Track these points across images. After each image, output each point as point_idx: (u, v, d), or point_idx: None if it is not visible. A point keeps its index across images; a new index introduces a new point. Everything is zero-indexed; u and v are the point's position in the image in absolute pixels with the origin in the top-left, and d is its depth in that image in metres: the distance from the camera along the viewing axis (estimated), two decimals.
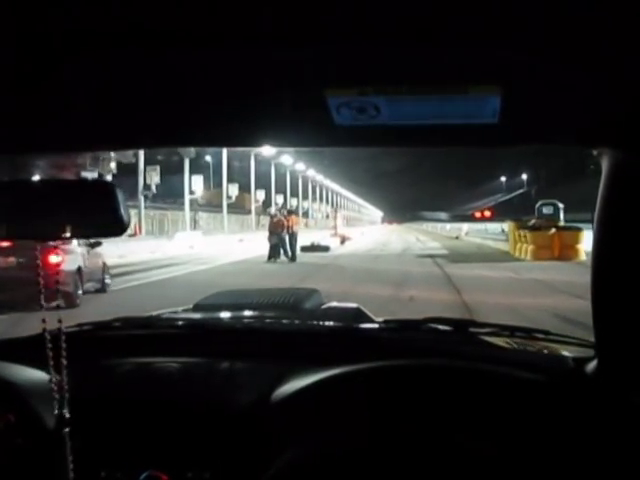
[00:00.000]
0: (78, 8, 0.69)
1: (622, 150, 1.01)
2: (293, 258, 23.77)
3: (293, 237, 24.29)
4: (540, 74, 0.81)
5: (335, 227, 40.46)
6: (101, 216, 1.15)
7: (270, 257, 23.41)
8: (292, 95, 0.86)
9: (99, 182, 1.86)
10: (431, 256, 25.21)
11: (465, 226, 48.25)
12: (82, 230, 1.18)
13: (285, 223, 24.38)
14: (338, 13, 0.71)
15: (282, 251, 24.00)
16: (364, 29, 0.74)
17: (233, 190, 46.78)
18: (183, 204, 41.69)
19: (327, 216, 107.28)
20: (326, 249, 29.34)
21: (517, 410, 1.24)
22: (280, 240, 23.95)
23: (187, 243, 32.87)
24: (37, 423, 1.31)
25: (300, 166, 64.74)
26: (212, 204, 50.75)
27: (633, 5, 0.68)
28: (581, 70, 0.80)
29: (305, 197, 79.66)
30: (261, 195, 54.16)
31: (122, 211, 1.14)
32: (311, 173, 73.22)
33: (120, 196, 1.15)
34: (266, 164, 58.89)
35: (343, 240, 38.42)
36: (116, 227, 1.15)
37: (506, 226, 30.39)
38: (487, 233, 38.84)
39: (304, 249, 28.95)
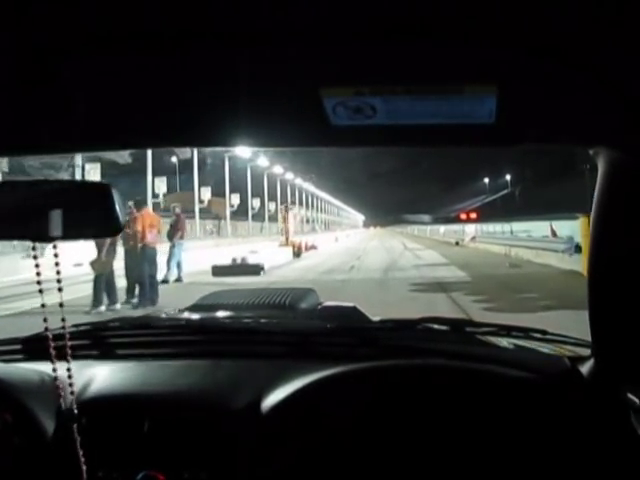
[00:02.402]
0: (76, 9, 0.69)
1: (618, 149, 0.97)
2: (151, 302, 10.59)
3: (145, 257, 10.92)
4: (536, 74, 0.79)
5: (286, 232, 26.87)
6: (97, 216, 1.11)
7: (97, 303, 10.17)
8: (288, 95, 0.84)
9: (95, 182, 1.54)
10: (442, 287, 12.36)
11: (470, 228, 34.13)
12: (78, 230, 1.14)
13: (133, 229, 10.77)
14: (334, 13, 0.70)
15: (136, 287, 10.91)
16: (360, 29, 0.73)
17: (161, 187, 33.78)
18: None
19: (307, 221, 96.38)
20: (256, 270, 16.34)
21: (513, 410, 1.20)
22: (130, 263, 10.86)
23: (75, 259, 20.13)
24: (35, 423, 1.26)
25: (263, 161, 51.67)
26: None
27: (629, 5, 0.67)
28: (577, 69, 0.78)
29: (273, 198, 66.60)
30: (207, 194, 41.20)
31: (118, 211, 1.09)
32: (278, 170, 60.18)
33: (116, 196, 1.09)
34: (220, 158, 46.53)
35: (299, 251, 25.30)
36: (112, 227, 1.11)
37: (561, 227, 17.47)
38: (514, 238, 25.23)
39: (217, 271, 16.18)
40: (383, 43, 0.74)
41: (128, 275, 11.01)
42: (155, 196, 33.50)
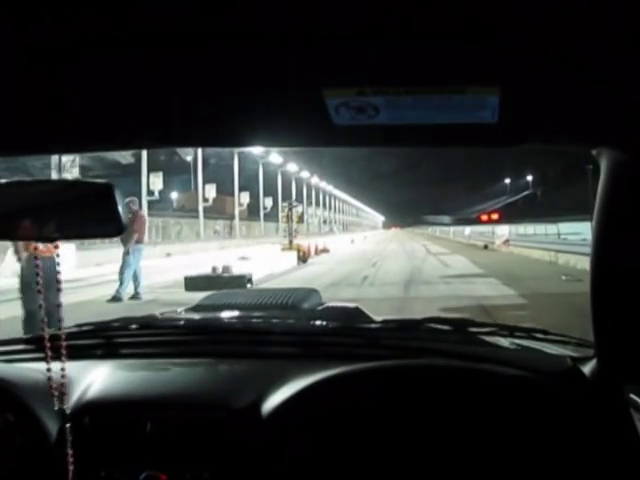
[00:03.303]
0: (77, 10, 0.69)
1: (620, 150, 0.96)
2: None
3: (35, 272, 6.97)
4: (538, 74, 0.78)
5: (290, 234, 22.69)
6: (99, 216, 1.08)
7: None
8: (291, 95, 0.83)
9: (96, 182, 1.13)
10: (489, 314, 8.47)
11: (502, 230, 29.54)
12: (80, 230, 1.13)
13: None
14: (337, 14, 0.70)
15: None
16: (362, 30, 0.72)
17: (156, 182, 30.03)
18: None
19: (325, 221, 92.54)
20: (240, 282, 12.46)
21: (516, 409, 1.17)
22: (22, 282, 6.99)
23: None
24: (36, 422, 1.24)
25: (276, 158, 47.94)
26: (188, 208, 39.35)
27: (629, 7, 0.67)
28: (579, 70, 0.78)
29: (292, 199, 62.79)
30: (212, 191, 37.38)
31: (120, 211, 1.06)
32: (292, 168, 56.43)
33: (118, 196, 1.07)
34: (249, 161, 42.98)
35: (305, 256, 21.38)
36: (114, 227, 1.07)
37: None
38: (562, 241, 20.96)
39: (191, 285, 12.51)
40: (385, 44, 0.73)
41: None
42: (150, 193, 29.89)
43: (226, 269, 13.46)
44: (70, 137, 0.93)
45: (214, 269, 13.41)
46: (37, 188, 1.13)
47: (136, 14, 0.69)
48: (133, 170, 33.33)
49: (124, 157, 31.19)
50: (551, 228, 27.17)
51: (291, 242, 21.81)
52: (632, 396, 1.05)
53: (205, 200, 37.42)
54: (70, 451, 1.13)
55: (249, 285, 12.78)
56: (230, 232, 44.08)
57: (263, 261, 16.65)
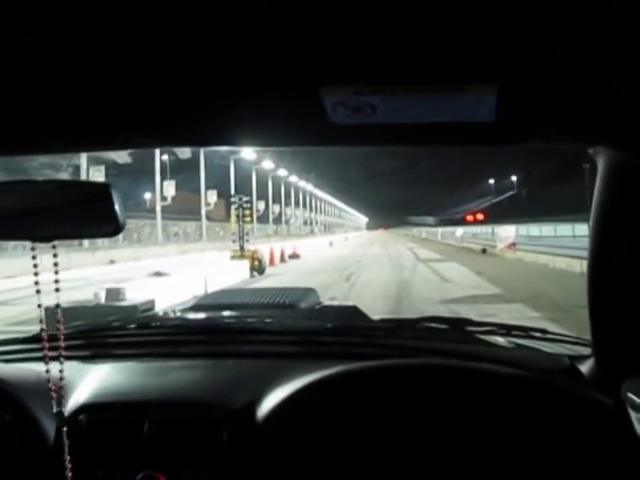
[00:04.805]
0: (78, 11, 0.69)
1: (618, 149, 0.96)
2: None
3: None
4: (535, 73, 0.78)
5: (241, 238, 17.69)
6: (97, 216, 1.07)
7: None
8: (288, 94, 0.83)
9: (94, 182, 1.29)
10: None
11: (507, 230, 24.02)
12: (78, 230, 1.12)
13: None
14: (334, 14, 0.70)
15: None
16: (359, 29, 0.72)
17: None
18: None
19: (305, 222, 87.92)
20: (131, 314, 7.70)
21: (514, 408, 1.15)
22: None
23: None
24: (33, 423, 1.22)
25: (249, 154, 43.31)
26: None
27: (628, 7, 0.67)
28: (576, 69, 0.78)
29: (276, 200, 58.24)
30: (170, 189, 32.71)
31: (118, 211, 1.05)
32: (268, 165, 51.79)
33: (116, 196, 1.05)
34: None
35: (261, 266, 16.53)
36: (112, 227, 1.06)
37: None
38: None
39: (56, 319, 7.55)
40: (382, 43, 0.73)
41: None
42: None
43: (115, 294, 8.66)
44: (70, 137, 0.91)
45: (96, 295, 8.62)
46: (34, 188, 1.11)
47: (135, 15, 0.67)
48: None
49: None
50: (580, 228, 22.31)
51: (242, 248, 16.94)
52: (629, 394, 1.04)
53: (164, 199, 32.80)
54: (68, 455, 1.11)
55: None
56: (201, 234, 39.79)
57: (193, 277, 11.86)
